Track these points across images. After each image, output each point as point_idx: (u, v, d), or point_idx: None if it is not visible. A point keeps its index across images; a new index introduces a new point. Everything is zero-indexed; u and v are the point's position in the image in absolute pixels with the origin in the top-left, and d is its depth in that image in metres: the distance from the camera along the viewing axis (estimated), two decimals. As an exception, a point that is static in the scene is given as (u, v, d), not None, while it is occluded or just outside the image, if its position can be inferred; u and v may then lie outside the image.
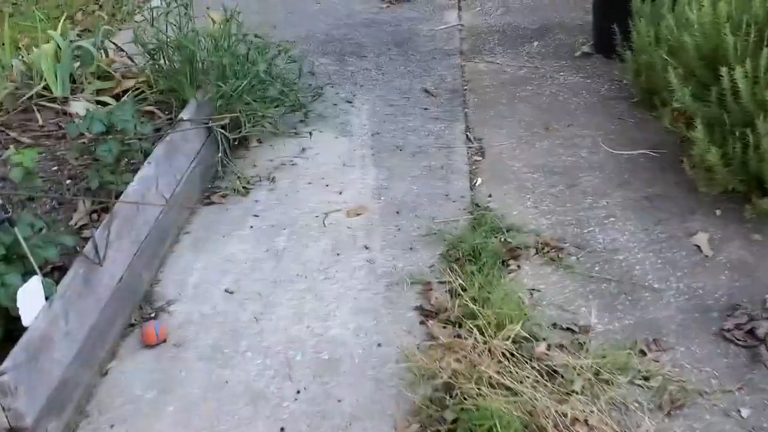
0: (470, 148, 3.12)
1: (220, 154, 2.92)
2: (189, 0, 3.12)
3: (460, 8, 4.83)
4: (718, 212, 2.54)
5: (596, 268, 2.32)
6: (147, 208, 2.38)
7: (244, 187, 2.86)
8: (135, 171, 2.43)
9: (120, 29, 4.46)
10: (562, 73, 3.73)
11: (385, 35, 4.47)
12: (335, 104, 3.60)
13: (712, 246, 2.37)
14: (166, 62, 2.99)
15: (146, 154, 2.53)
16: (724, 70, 2.33)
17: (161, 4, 3.03)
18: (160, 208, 2.44)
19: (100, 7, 4.91)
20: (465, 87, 3.70)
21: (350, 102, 3.62)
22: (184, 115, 2.82)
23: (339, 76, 3.93)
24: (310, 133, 3.24)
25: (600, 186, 2.76)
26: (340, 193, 2.83)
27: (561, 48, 4.05)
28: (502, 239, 2.45)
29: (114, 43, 3.44)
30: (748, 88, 2.30)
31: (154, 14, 2.97)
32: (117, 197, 2.27)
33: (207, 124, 2.93)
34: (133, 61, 3.32)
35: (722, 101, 2.44)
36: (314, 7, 5.08)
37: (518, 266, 2.33)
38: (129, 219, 2.25)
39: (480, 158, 3.04)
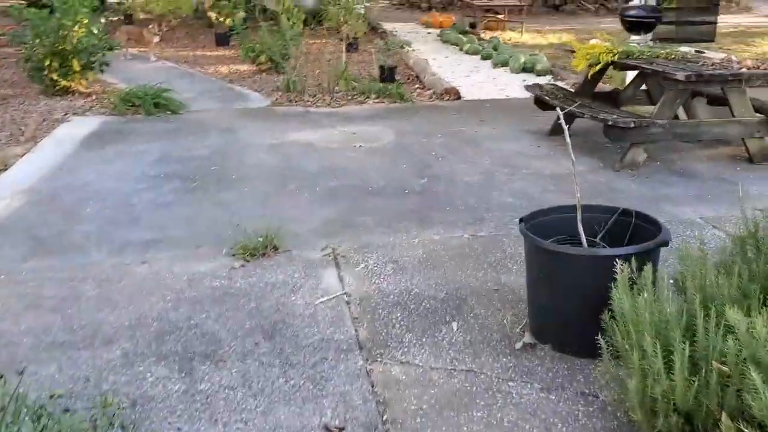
0: None
1: None
2: None
3: (338, 266, 3.74)
4: None
5: None
6: None
7: None
8: None
9: None
10: (511, 384, 2.69)
11: (247, 317, 3.22)
12: (187, 476, 2.22)
13: None
14: None
15: None
16: None
17: None
18: None
19: None
20: (384, 417, 2.51)
21: (212, 467, 2.27)
22: None
23: (187, 405, 2.57)
24: None
25: None
26: None
27: (490, 333, 3.05)
28: None
29: None
30: None
31: None
32: None
33: None
34: None
35: None
36: (141, 268, 3.75)
37: None
38: None
39: None
